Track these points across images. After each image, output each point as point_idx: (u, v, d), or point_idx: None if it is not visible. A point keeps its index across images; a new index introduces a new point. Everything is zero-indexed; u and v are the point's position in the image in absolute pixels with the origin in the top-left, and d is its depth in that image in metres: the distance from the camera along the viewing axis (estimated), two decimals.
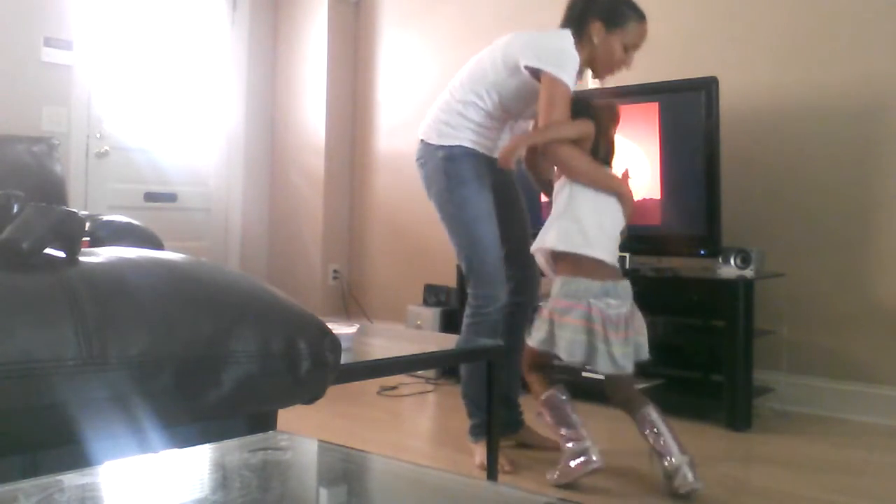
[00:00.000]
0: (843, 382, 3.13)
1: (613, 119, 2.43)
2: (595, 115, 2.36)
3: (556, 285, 2.31)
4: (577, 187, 2.33)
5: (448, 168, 2.46)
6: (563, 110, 2.28)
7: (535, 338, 2.33)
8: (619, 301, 2.24)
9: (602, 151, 2.37)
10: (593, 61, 2.43)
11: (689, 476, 2.15)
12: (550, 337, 2.27)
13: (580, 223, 2.28)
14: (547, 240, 2.33)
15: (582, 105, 2.36)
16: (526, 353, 2.44)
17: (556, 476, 2.30)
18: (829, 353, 3.17)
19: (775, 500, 2.24)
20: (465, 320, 2.49)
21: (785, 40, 3.32)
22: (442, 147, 2.48)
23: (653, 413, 2.24)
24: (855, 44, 3.15)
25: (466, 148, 2.46)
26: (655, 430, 2.21)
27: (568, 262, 2.30)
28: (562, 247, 2.29)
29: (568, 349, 2.22)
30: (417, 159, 2.58)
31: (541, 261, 2.42)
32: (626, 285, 2.29)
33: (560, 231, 2.30)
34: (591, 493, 2.25)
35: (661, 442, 2.20)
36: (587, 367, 2.38)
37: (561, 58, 2.30)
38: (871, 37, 3.12)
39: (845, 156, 3.17)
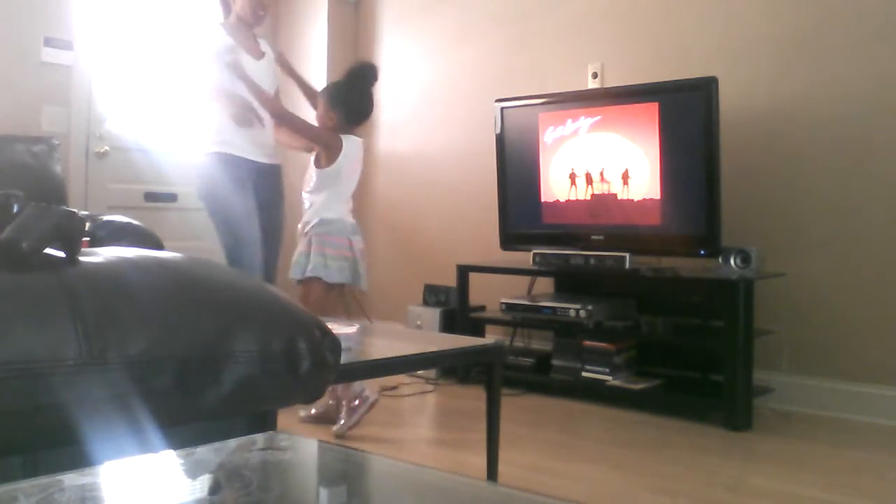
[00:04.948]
0: (843, 382, 3.12)
1: (367, 76, 3.11)
2: (353, 72, 3.08)
3: (317, 222, 3.02)
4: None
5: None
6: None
7: (330, 274, 2.91)
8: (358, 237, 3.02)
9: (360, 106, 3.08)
10: (243, 14, 3.23)
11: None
12: (341, 270, 2.92)
13: None
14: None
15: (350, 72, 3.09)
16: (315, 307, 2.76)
17: (342, 426, 2.66)
18: (829, 353, 3.16)
19: (775, 500, 2.24)
20: None
21: (785, 40, 3.32)
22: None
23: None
24: (855, 44, 3.15)
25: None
26: (355, 403, 2.70)
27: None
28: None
29: (340, 274, 2.93)
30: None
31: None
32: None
33: None
34: (591, 487, 2.25)
35: (344, 413, 2.72)
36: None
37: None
38: (872, 37, 3.12)
39: (845, 155, 3.17)
